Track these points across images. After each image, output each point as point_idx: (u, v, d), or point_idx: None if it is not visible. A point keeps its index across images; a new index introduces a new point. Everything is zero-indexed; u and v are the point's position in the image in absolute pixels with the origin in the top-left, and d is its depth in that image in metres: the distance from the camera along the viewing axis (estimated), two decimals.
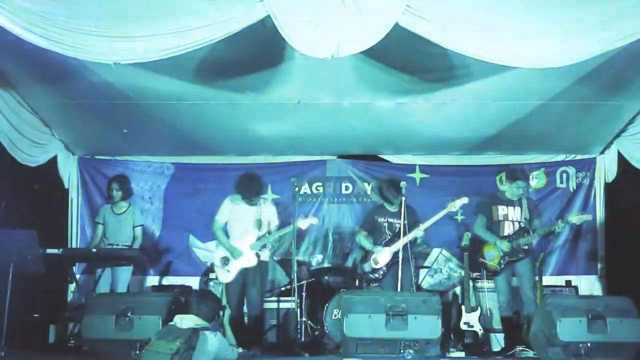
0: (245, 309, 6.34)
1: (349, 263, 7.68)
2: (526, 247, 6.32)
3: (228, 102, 6.59)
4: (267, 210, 6.38)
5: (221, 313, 4.90)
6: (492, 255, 6.38)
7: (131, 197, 7.23)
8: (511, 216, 6.44)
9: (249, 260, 6.20)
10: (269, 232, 6.31)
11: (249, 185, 6.31)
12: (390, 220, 6.44)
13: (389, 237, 6.41)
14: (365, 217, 6.87)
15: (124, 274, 6.71)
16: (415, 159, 8.17)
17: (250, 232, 6.26)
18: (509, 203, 6.47)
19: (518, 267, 6.35)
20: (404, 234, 6.17)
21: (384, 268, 6.36)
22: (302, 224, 6.31)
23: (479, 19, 4.66)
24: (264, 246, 6.28)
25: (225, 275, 6.25)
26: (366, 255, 6.54)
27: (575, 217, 6.45)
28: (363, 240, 6.56)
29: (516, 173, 6.57)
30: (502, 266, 6.32)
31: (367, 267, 6.46)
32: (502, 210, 6.48)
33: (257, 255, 6.22)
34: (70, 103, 6.63)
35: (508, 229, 6.43)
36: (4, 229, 5.80)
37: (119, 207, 7.01)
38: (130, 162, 8.15)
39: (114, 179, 7.12)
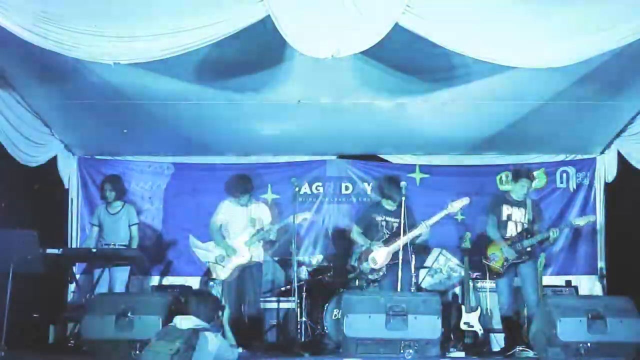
0: (243, 309, 6.36)
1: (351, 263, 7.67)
2: (529, 249, 6.31)
3: (228, 102, 6.59)
4: (259, 210, 6.56)
5: (220, 313, 4.89)
6: (496, 256, 6.36)
7: (125, 197, 7.23)
8: (515, 217, 6.43)
9: (243, 256, 6.33)
10: (262, 229, 6.43)
11: (234, 185, 6.50)
12: (388, 218, 6.40)
13: (387, 236, 6.36)
14: (362, 213, 6.83)
15: (121, 274, 6.72)
16: (415, 159, 8.16)
17: (245, 231, 6.43)
18: (515, 203, 6.45)
19: (521, 269, 6.33)
20: (404, 234, 6.16)
21: (384, 269, 6.29)
22: (296, 218, 6.34)
23: (479, 19, 4.65)
24: (258, 241, 6.39)
25: (221, 271, 6.40)
26: (363, 255, 6.48)
27: (579, 220, 6.51)
28: (358, 236, 6.51)
29: (521, 172, 6.56)
30: (505, 268, 6.32)
31: (364, 267, 6.40)
32: (507, 210, 6.46)
33: (251, 253, 6.31)
34: (70, 103, 6.63)
35: (511, 230, 6.41)
36: (4, 229, 5.80)
37: (113, 207, 7.03)
38: (130, 162, 8.14)
39: (106, 180, 7.14)
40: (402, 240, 6.14)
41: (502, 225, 6.44)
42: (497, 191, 7.45)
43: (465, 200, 6.32)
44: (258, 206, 6.62)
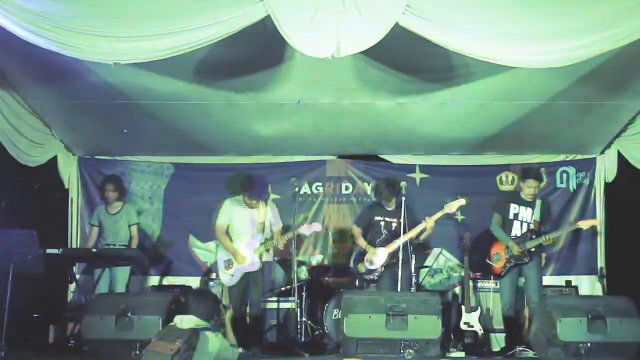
0: (248, 310, 6.36)
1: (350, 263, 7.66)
2: (533, 250, 6.30)
3: (228, 102, 6.59)
4: (267, 212, 6.42)
5: (223, 312, 4.90)
6: (498, 257, 6.37)
7: (126, 197, 7.22)
8: (521, 216, 6.42)
9: (252, 265, 6.24)
10: (272, 237, 6.35)
11: (233, 183, 6.47)
12: (387, 219, 6.42)
13: (385, 236, 6.39)
14: (361, 213, 6.85)
15: (122, 274, 6.72)
16: (415, 159, 8.16)
17: (252, 235, 6.31)
18: (522, 203, 6.44)
19: (524, 270, 6.33)
20: (403, 233, 6.16)
21: (380, 269, 6.33)
22: (306, 230, 6.32)
23: (479, 19, 4.65)
24: (267, 250, 6.35)
25: (229, 278, 6.28)
26: (360, 255, 6.51)
27: (583, 223, 6.53)
28: (358, 237, 6.55)
29: (529, 172, 6.55)
30: (508, 269, 6.32)
31: (361, 267, 6.43)
32: (514, 209, 6.46)
33: (261, 258, 6.26)
34: (70, 103, 6.63)
35: (516, 229, 6.41)
36: (4, 229, 5.80)
37: (113, 207, 7.03)
38: (130, 162, 8.14)
39: (108, 180, 7.14)
40: (404, 238, 6.14)
41: (507, 224, 6.44)
42: (495, 192, 7.45)
43: (461, 201, 6.32)
44: (267, 209, 6.45)
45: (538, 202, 6.43)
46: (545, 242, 6.28)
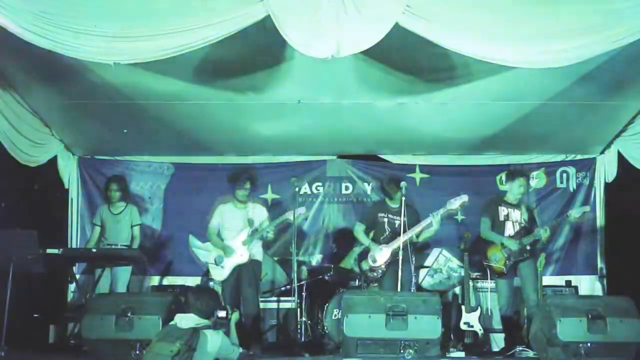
0: (242, 309, 6.37)
1: (349, 263, 7.64)
2: (528, 248, 6.31)
3: (228, 102, 6.59)
4: (256, 211, 6.57)
5: (230, 313, 4.91)
6: (497, 257, 6.36)
7: (129, 197, 7.23)
8: (512, 217, 6.46)
9: (241, 255, 6.34)
10: (260, 227, 6.45)
11: (234, 176, 6.53)
12: (391, 217, 6.43)
13: (389, 234, 6.39)
14: (366, 211, 6.87)
15: (124, 274, 6.73)
16: (415, 159, 8.16)
17: (242, 231, 6.44)
18: (511, 205, 6.50)
19: (520, 268, 6.35)
20: (404, 233, 6.16)
21: (383, 267, 6.32)
22: (291, 214, 6.35)
23: (479, 19, 4.66)
24: (257, 240, 6.40)
25: (219, 272, 6.40)
26: (364, 253, 6.52)
27: (574, 211, 6.60)
28: (361, 234, 6.56)
29: (516, 172, 6.59)
30: (509, 267, 6.32)
31: (364, 265, 6.45)
32: (503, 211, 6.49)
33: (249, 252, 6.33)
34: (70, 103, 6.63)
35: (509, 230, 6.43)
36: (4, 229, 5.80)
37: (116, 207, 7.03)
38: (130, 162, 8.14)
39: (112, 180, 7.13)
40: (402, 239, 6.14)
41: (499, 226, 6.46)
42: (495, 192, 7.46)
43: (464, 198, 6.33)
44: (255, 206, 6.62)
45: (522, 205, 6.51)
46: (543, 236, 6.30)
